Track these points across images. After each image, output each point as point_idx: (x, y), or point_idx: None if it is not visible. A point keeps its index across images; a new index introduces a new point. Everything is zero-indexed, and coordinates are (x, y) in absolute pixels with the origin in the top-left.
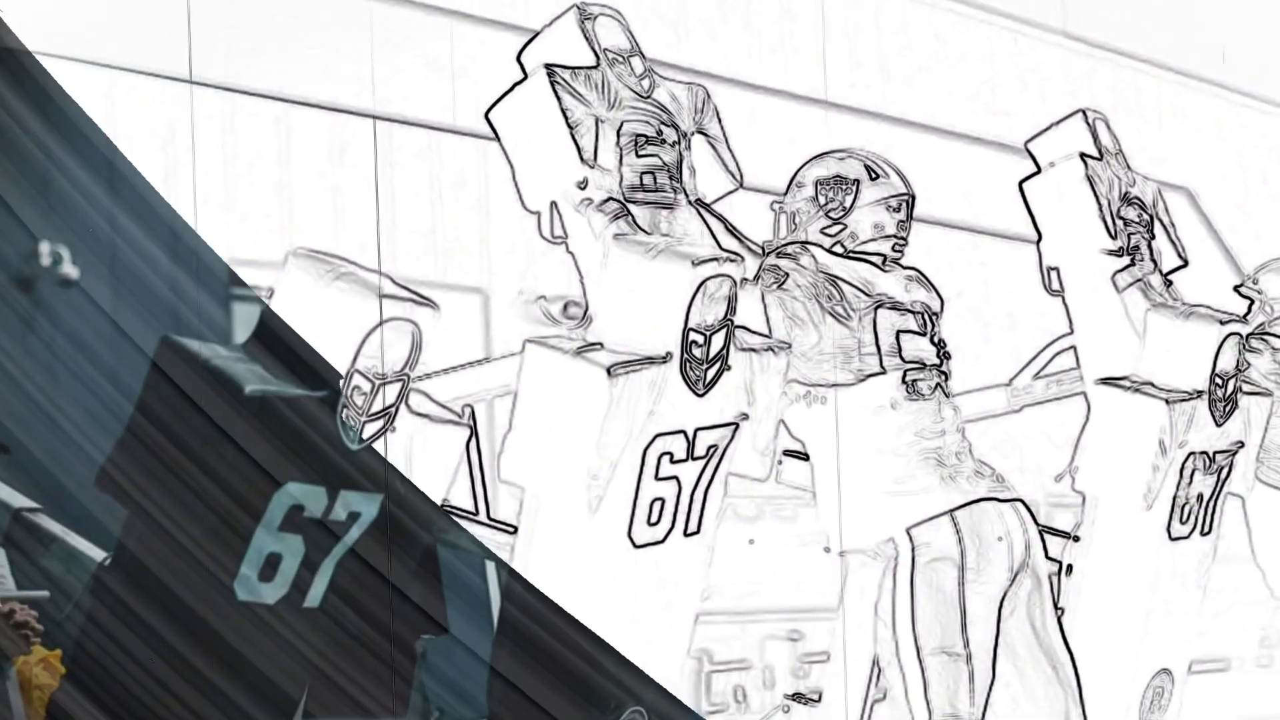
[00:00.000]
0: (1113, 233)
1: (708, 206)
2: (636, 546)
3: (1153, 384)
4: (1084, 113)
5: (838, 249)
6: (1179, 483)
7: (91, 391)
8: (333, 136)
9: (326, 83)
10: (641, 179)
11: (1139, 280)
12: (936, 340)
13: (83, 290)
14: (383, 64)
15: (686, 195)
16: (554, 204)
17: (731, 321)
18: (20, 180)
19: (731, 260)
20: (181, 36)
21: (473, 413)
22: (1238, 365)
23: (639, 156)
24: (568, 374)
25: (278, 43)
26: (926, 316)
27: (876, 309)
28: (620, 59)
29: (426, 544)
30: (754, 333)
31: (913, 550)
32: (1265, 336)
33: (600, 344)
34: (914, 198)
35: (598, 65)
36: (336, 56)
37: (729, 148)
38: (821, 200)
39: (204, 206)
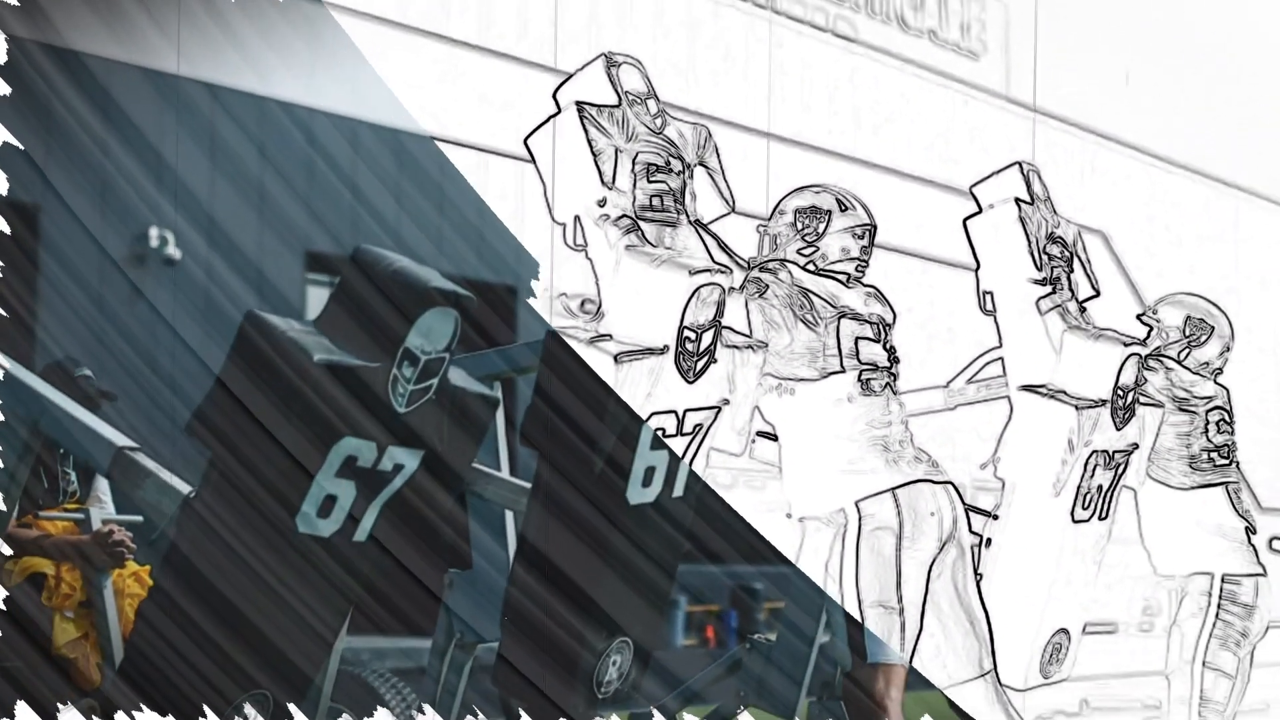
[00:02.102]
0: (1039, 265)
1: (704, 226)
2: (632, 506)
3: (1065, 392)
4: (1020, 165)
5: (810, 267)
6: (1083, 475)
7: (186, 353)
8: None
9: (396, 109)
10: (651, 201)
11: (1058, 306)
12: (888, 347)
13: (184, 269)
14: (443, 96)
15: (687, 216)
16: (577, 218)
17: (719, 322)
18: (134, 173)
19: (722, 272)
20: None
21: (504, 389)
22: (1136, 380)
23: (650, 182)
24: (583, 359)
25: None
26: (881, 327)
27: (840, 318)
28: (638, 100)
29: (458, 494)
30: (737, 332)
31: (859, 519)
32: (1160, 358)
33: (610, 335)
34: (876, 227)
35: (619, 105)
36: (406, 87)
37: (724, 178)
38: (799, 226)
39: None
